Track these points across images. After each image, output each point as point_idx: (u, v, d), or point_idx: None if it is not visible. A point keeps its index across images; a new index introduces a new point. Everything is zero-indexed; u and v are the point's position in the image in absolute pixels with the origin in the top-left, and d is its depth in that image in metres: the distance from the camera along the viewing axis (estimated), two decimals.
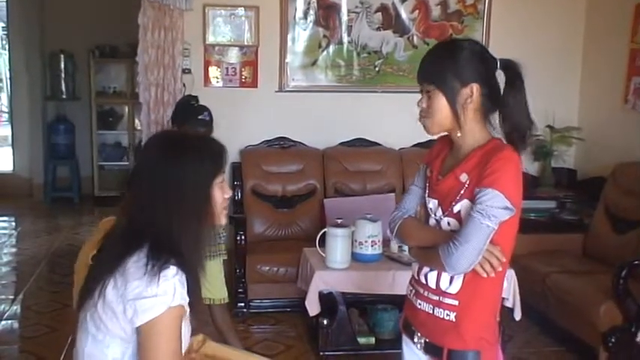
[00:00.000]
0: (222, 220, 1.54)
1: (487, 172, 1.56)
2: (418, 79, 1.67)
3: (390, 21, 4.47)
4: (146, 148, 1.54)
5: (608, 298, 3.08)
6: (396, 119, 4.46)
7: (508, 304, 3.17)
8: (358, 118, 4.53)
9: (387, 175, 4.38)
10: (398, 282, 3.04)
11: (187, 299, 1.41)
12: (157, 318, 1.36)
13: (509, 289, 3.16)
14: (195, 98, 3.12)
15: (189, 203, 1.45)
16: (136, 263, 1.39)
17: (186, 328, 1.50)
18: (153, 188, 1.44)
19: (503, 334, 3.31)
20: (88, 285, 1.45)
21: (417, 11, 4.47)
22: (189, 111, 2.96)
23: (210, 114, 2.93)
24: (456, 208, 1.63)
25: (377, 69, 4.51)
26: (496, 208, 1.53)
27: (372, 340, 3.36)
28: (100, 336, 1.43)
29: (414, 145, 4.43)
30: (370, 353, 3.34)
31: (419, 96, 1.68)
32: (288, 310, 3.84)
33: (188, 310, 1.44)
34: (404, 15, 4.47)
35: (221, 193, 1.51)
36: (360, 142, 4.51)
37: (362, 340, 3.35)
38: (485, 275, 1.59)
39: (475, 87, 1.60)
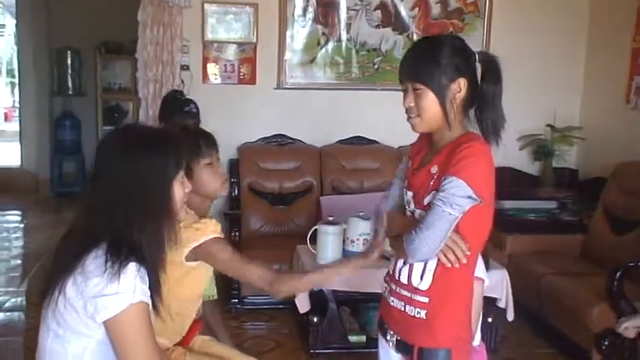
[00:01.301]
0: (182, 215, 1.53)
1: (453, 162, 1.55)
2: (401, 78, 1.66)
3: (390, 18, 4.44)
4: (106, 145, 1.50)
5: (601, 300, 3.04)
6: (394, 117, 4.34)
7: (501, 304, 3.14)
8: (356, 115, 4.50)
9: (385, 173, 4.34)
10: None
11: (149, 294, 1.41)
12: (120, 314, 1.36)
13: (502, 289, 3.12)
14: (181, 92, 3.13)
15: (151, 202, 1.43)
16: (94, 260, 1.38)
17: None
18: (114, 187, 1.43)
19: (496, 334, 3.30)
20: (49, 283, 1.45)
21: (416, 9, 4.43)
22: (176, 104, 2.97)
23: (196, 106, 2.95)
24: (426, 200, 1.63)
25: (376, 67, 4.48)
26: (459, 197, 1.52)
27: (363, 338, 3.35)
28: (60, 331, 1.43)
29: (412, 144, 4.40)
30: (361, 351, 3.32)
31: None
32: (282, 307, 3.81)
33: (150, 305, 1.43)
34: (403, 12, 4.43)
35: (182, 189, 1.50)
36: (358, 140, 4.48)
37: (353, 339, 3.34)
38: (449, 265, 1.58)
39: (462, 82, 1.60)
